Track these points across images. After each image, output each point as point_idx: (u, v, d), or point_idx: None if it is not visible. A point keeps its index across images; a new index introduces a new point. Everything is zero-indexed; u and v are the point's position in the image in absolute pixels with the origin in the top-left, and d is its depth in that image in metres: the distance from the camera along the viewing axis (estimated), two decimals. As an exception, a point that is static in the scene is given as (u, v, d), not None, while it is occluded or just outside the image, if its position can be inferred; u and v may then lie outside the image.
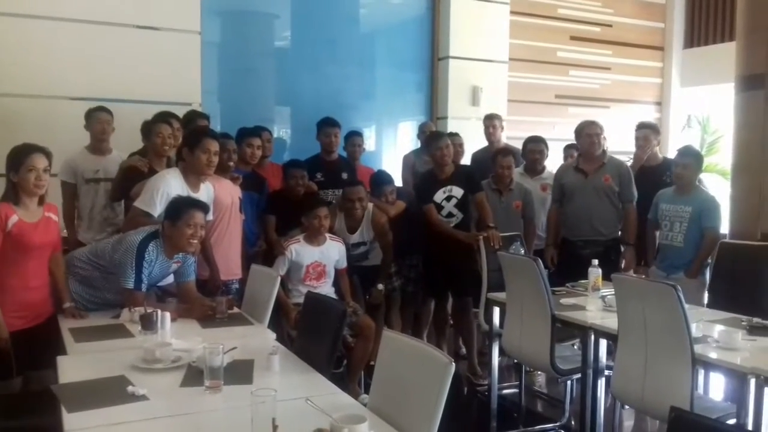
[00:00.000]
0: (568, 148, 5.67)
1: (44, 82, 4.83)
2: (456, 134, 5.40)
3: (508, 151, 5.13)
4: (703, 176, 4.93)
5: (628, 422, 4.10)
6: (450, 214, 4.75)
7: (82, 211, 4.33)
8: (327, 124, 5.06)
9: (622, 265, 4.72)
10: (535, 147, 5.31)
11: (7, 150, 3.13)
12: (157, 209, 3.47)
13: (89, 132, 4.39)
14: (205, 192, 3.69)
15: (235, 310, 3.42)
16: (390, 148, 6.65)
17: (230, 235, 3.98)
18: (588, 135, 4.75)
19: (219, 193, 3.86)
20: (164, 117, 4.15)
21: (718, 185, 6.18)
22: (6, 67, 4.72)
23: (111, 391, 2.21)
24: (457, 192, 4.75)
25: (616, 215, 4.72)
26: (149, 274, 3.26)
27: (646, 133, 5.10)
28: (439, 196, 4.75)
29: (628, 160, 5.15)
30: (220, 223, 3.91)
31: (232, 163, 4.10)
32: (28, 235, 3.06)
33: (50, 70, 4.85)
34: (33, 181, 3.04)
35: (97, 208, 4.35)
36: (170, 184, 3.53)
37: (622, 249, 4.76)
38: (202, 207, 3.36)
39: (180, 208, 3.27)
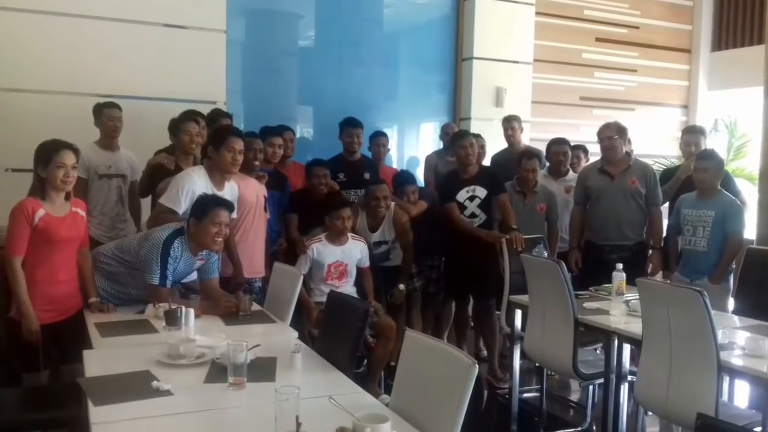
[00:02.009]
0: (574, 149, 5.53)
1: (72, 79, 4.88)
2: (478, 135, 5.38)
3: (533, 153, 5.10)
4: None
5: (651, 429, 4.06)
6: (473, 215, 4.74)
7: (93, 207, 4.29)
8: (349, 125, 5.06)
9: (649, 269, 4.64)
10: (559, 149, 5.27)
11: (34, 146, 3.18)
12: (182, 207, 3.50)
13: (99, 128, 4.41)
14: (229, 190, 3.71)
15: (257, 307, 3.45)
16: (412, 148, 6.65)
17: (254, 233, 4.01)
18: (600, 139, 4.68)
19: (244, 191, 3.89)
20: (191, 115, 4.19)
21: (745, 190, 6.07)
22: (33, 64, 4.78)
23: (136, 386, 2.23)
24: (481, 192, 4.74)
25: (642, 218, 4.65)
26: (174, 271, 3.29)
27: (698, 138, 4.91)
28: (462, 195, 4.74)
29: (653, 163, 5.07)
30: (245, 221, 3.94)
31: (257, 162, 4.13)
32: (56, 228, 3.10)
33: (78, 67, 4.90)
34: (61, 177, 3.08)
35: (109, 204, 4.38)
36: (195, 182, 3.56)
37: (649, 253, 4.70)
38: (228, 205, 3.39)
39: (206, 206, 3.30)
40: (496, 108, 6.47)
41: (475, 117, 6.45)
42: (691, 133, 5.03)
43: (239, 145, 3.66)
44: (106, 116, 4.38)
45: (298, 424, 1.75)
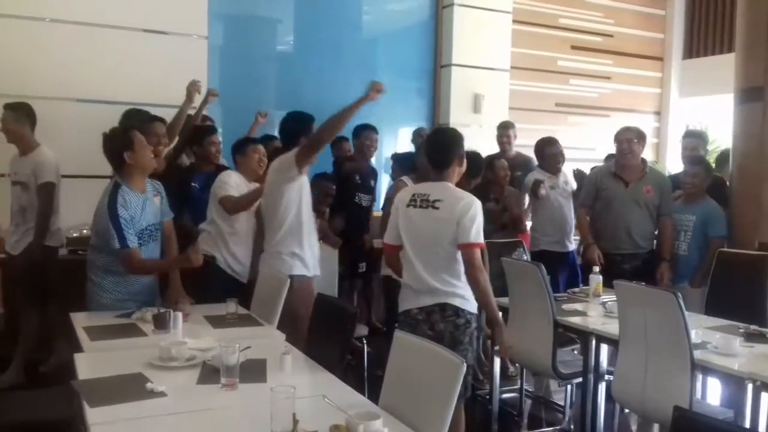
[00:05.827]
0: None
1: (53, 84, 4.88)
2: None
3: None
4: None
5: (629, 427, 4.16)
6: None
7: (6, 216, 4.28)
8: (368, 128, 5.23)
9: (658, 278, 4.38)
10: (555, 149, 5.22)
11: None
12: None
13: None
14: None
15: (243, 311, 3.48)
16: (391, 153, 6.70)
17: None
18: (619, 141, 4.55)
19: None
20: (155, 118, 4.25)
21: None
22: (10, 68, 4.77)
23: (130, 388, 2.26)
24: None
25: (653, 227, 4.51)
26: (133, 221, 3.23)
27: (696, 143, 4.81)
28: None
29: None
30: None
31: None
32: None
33: (59, 72, 4.90)
34: None
35: (12, 213, 4.27)
36: None
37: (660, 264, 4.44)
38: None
39: (137, 127, 3.40)
40: (474, 114, 6.58)
41: (454, 123, 6.53)
42: (689, 137, 4.96)
43: (160, 129, 3.95)
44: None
45: (295, 422, 1.81)
